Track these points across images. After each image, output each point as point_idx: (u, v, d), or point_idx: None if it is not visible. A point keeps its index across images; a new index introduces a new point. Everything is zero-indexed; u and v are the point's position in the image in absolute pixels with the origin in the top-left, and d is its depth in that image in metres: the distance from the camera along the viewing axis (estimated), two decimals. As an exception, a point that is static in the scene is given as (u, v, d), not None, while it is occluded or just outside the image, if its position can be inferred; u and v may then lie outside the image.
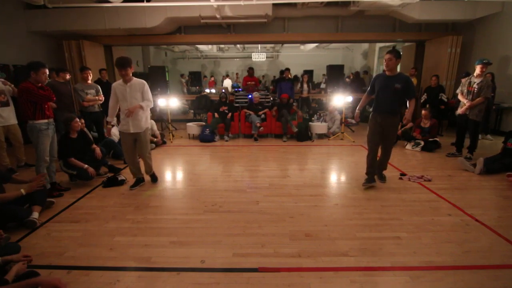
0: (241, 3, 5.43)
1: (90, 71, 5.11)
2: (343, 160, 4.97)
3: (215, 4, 6.14)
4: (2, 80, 4.27)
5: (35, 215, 2.78)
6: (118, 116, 3.74)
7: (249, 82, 8.04)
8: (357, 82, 10.19)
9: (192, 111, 9.50)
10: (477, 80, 4.46)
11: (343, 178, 4.21)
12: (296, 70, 13.87)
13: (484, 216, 2.85)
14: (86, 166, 3.71)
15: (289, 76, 8.07)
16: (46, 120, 3.33)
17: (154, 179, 3.91)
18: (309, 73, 9.04)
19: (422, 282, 1.96)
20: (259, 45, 14.48)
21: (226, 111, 6.66)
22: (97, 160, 4.04)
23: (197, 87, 13.71)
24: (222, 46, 14.90)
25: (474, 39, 7.36)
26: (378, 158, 3.71)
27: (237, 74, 16.15)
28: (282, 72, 8.13)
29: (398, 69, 3.92)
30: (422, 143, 5.33)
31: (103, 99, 5.08)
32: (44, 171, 3.36)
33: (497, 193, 3.49)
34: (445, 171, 4.23)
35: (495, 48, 6.65)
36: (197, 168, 4.61)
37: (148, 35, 7.94)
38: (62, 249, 2.39)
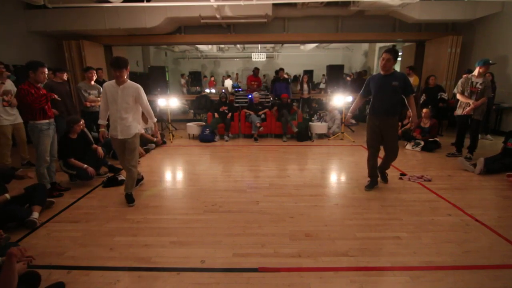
0: (241, 3, 5.43)
1: (94, 71, 5.11)
2: (343, 160, 4.97)
3: (215, 4, 6.14)
4: (11, 82, 4.30)
5: (35, 215, 2.78)
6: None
7: (253, 82, 8.04)
8: (359, 82, 10.18)
9: (192, 111, 9.50)
10: (479, 80, 4.46)
11: (343, 178, 4.21)
12: (296, 70, 13.90)
13: (484, 216, 2.85)
14: (85, 166, 3.71)
15: (284, 76, 8.10)
16: (47, 121, 3.33)
17: (130, 200, 3.23)
18: (309, 73, 9.05)
19: (422, 282, 1.96)
20: (259, 45, 14.47)
21: (226, 111, 6.67)
22: (97, 160, 4.04)
23: (197, 87, 13.71)
24: (222, 46, 14.90)
25: (474, 39, 7.36)
26: (382, 160, 3.62)
27: (237, 74, 16.15)
28: (277, 72, 8.16)
29: (398, 69, 3.88)
30: (422, 143, 5.33)
31: None
32: (45, 171, 3.36)
33: (497, 193, 3.49)
34: (445, 171, 4.23)
35: (495, 48, 6.65)
36: (197, 168, 4.61)
37: (148, 35, 7.94)
38: (62, 249, 2.39)
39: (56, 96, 3.48)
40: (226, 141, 6.45)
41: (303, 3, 6.87)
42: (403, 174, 4.06)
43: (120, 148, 3.26)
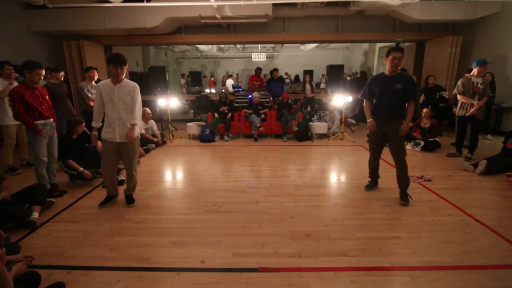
0: (241, 3, 5.43)
1: (96, 71, 5.11)
2: (343, 160, 4.97)
3: (215, 4, 6.14)
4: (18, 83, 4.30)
5: (35, 215, 2.78)
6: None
7: (255, 82, 8.05)
8: (360, 82, 10.18)
9: (192, 111, 9.50)
10: (479, 80, 4.46)
11: (343, 178, 4.21)
12: (296, 70, 13.88)
13: (484, 216, 2.85)
14: (81, 169, 3.67)
15: (278, 76, 8.16)
16: (42, 121, 3.29)
17: (131, 201, 3.22)
18: (309, 73, 9.05)
19: (422, 282, 1.96)
20: (259, 45, 14.47)
21: (226, 111, 6.67)
22: (97, 161, 4.03)
23: (197, 87, 13.72)
24: (222, 46, 14.90)
25: (474, 39, 7.36)
26: (396, 173, 3.28)
27: (237, 74, 16.16)
28: (271, 72, 8.20)
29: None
30: (422, 143, 5.33)
31: None
32: (43, 171, 3.36)
33: (497, 193, 3.49)
34: (445, 171, 4.23)
35: (495, 48, 6.65)
36: (197, 168, 4.61)
37: (148, 35, 7.93)
38: (62, 249, 2.39)
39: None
40: (226, 141, 6.45)
41: (303, 3, 6.87)
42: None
43: (111, 153, 3.01)
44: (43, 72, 3.29)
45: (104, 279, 2.02)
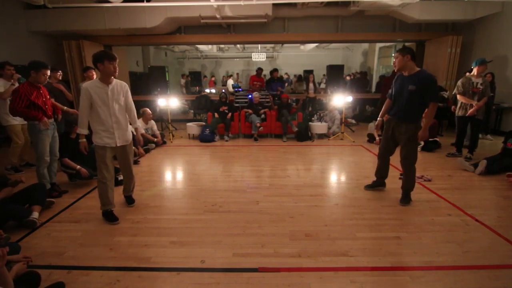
0: (241, 3, 5.43)
1: (94, 70, 5.11)
2: (343, 160, 4.97)
3: (215, 4, 6.14)
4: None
5: (35, 215, 2.78)
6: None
7: (255, 82, 8.05)
8: (360, 82, 10.19)
9: (192, 111, 9.50)
10: (479, 80, 4.46)
11: (343, 178, 4.21)
12: (296, 70, 13.91)
13: (484, 216, 2.85)
14: (78, 167, 3.66)
15: (278, 76, 8.20)
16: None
17: (132, 201, 3.21)
18: (311, 73, 9.07)
19: (422, 282, 1.96)
20: (259, 45, 14.47)
21: (226, 111, 6.67)
22: (94, 161, 4.01)
23: (197, 87, 13.71)
24: (222, 46, 14.90)
25: (474, 39, 7.36)
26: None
27: (237, 74, 16.16)
28: (271, 72, 8.22)
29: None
30: (422, 143, 5.32)
31: None
32: (45, 171, 3.36)
33: (497, 193, 3.49)
34: (445, 171, 4.23)
35: (495, 48, 6.65)
36: (197, 168, 4.61)
37: (148, 35, 7.94)
38: (62, 249, 2.39)
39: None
40: (226, 141, 6.45)
41: (303, 3, 6.86)
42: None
43: (110, 158, 2.84)
44: (49, 72, 3.30)
45: (104, 279, 2.02)
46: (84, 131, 2.74)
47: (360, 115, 9.03)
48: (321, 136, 6.71)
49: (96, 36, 7.75)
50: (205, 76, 15.86)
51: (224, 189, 3.66)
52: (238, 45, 13.78)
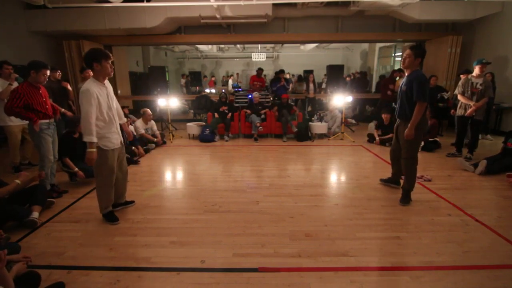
0: (241, 3, 5.43)
1: (90, 71, 5.10)
2: (343, 160, 4.97)
3: (215, 4, 6.14)
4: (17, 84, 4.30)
5: (35, 215, 2.78)
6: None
7: (255, 82, 8.04)
8: (360, 82, 10.19)
9: (192, 111, 9.50)
10: (479, 81, 4.45)
11: (343, 178, 4.21)
12: (296, 70, 13.91)
13: (484, 216, 2.85)
14: (76, 169, 3.66)
15: (285, 76, 8.17)
16: (47, 120, 3.31)
17: (131, 201, 3.19)
18: (311, 73, 9.07)
19: (422, 282, 1.96)
20: (259, 45, 14.47)
21: (226, 111, 6.67)
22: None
23: (197, 87, 13.72)
24: (222, 46, 14.90)
25: (474, 39, 7.36)
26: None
27: (237, 74, 16.16)
28: (277, 73, 8.20)
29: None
30: (422, 143, 5.32)
31: None
32: (48, 171, 3.36)
33: (497, 193, 3.49)
34: (445, 171, 4.23)
35: (495, 48, 6.65)
36: (197, 168, 4.61)
37: (148, 35, 7.94)
38: (62, 249, 2.39)
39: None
40: (226, 141, 6.45)
41: (303, 3, 6.86)
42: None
43: (116, 161, 2.79)
44: (48, 72, 3.29)
45: (104, 279, 2.02)
46: (94, 138, 2.47)
47: (360, 115, 9.03)
48: (321, 136, 6.71)
49: (96, 36, 7.75)
50: (205, 76, 15.86)
51: (224, 189, 3.66)
52: (238, 45, 13.78)
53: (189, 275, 2.06)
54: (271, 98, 7.94)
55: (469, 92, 4.54)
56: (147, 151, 5.42)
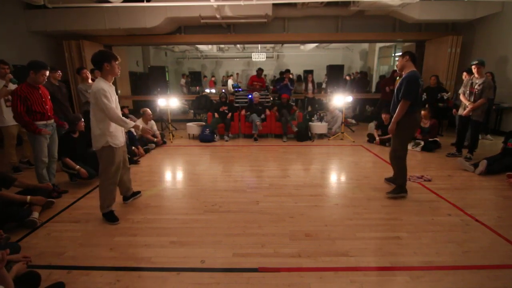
0: (241, 3, 5.43)
1: (87, 70, 5.11)
2: (343, 160, 4.97)
3: (215, 4, 6.14)
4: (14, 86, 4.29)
5: (35, 215, 2.78)
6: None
7: (255, 82, 8.01)
8: (360, 82, 10.19)
9: (192, 111, 9.50)
10: (479, 81, 4.45)
11: (343, 178, 4.21)
12: (296, 70, 13.88)
13: (484, 216, 2.85)
14: (78, 167, 3.65)
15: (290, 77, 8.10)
16: (44, 122, 3.29)
17: (137, 192, 3.35)
18: (310, 73, 9.06)
19: (422, 282, 1.96)
20: (259, 45, 14.47)
21: (226, 111, 6.67)
22: (97, 161, 4.01)
23: (197, 87, 13.71)
24: (222, 46, 14.90)
25: (474, 39, 7.36)
26: None
27: (237, 74, 16.15)
28: (282, 73, 8.17)
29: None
30: (422, 143, 5.33)
31: None
32: (43, 171, 3.35)
33: (497, 193, 3.49)
34: (445, 171, 4.23)
35: (495, 48, 6.65)
36: (197, 168, 4.61)
37: (148, 35, 7.94)
38: (62, 249, 2.39)
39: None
40: (226, 141, 6.45)
41: (303, 3, 6.86)
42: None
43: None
44: (48, 73, 3.28)
45: (104, 279, 2.02)
46: (132, 123, 2.69)
47: (360, 115, 9.03)
48: (321, 136, 6.71)
49: (96, 36, 7.75)
50: (205, 76, 15.85)
51: (224, 189, 3.66)
52: (238, 45, 13.78)
53: (189, 275, 2.06)
54: (271, 98, 7.92)
55: (467, 92, 4.55)
56: (147, 151, 5.42)
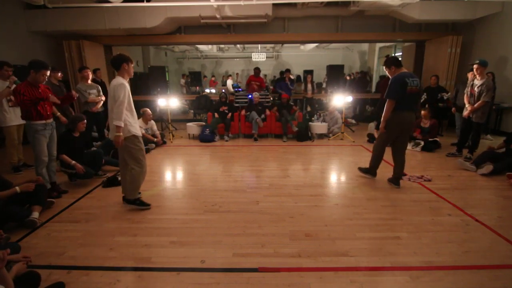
0: (241, 3, 5.42)
1: (89, 70, 5.10)
2: (343, 160, 4.97)
3: (215, 4, 6.14)
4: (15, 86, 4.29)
5: (35, 215, 2.78)
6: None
7: (253, 82, 7.99)
8: (360, 82, 10.19)
9: (192, 111, 9.50)
10: (479, 83, 4.44)
11: (343, 178, 4.21)
12: (296, 70, 13.90)
13: (484, 216, 2.85)
14: (73, 162, 3.62)
15: (290, 76, 8.10)
16: (43, 121, 3.29)
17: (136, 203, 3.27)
18: (309, 73, 9.06)
19: (422, 282, 1.96)
20: (259, 45, 14.47)
21: (226, 111, 6.66)
22: (95, 161, 4.02)
23: (197, 87, 13.71)
24: (222, 46, 14.89)
25: (474, 39, 7.36)
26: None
27: (237, 74, 16.15)
28: (282, 73, 8.17)
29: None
30: (422, 143, 5.33)
31: (105, 99, 5.08)
32: (43, 171, 3.35)
33: (497, 193, 3.49)
34: (445, 171, 4.23)
35: (495, 48, 6.65)
36: (197, 168, 4.60)
37: (148, 35, 7.93)
38: (62, 249, 2.39)
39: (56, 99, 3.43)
40: (226, 141, 6.45)
41: (303, 3, 6.86)
42: (403, 174, 4.05)
43: None
44: (48, 73, 3.28)
45: (104, 279, 2.02)
46: (122, 123, 2.80)
47: (360, 115, 9.03)
48: (321, 136, 6.71)
49: (96, 36, 7.75)
50: (205, 76, 15.85)
51: (224, 189, 3.66)
52: (238, 45, 13.78)
53: (189, 275, 2.06)
54: (271, 98, 7.91)
55: (468, 93, 4.55)
56: (147, 151, 5.39)
